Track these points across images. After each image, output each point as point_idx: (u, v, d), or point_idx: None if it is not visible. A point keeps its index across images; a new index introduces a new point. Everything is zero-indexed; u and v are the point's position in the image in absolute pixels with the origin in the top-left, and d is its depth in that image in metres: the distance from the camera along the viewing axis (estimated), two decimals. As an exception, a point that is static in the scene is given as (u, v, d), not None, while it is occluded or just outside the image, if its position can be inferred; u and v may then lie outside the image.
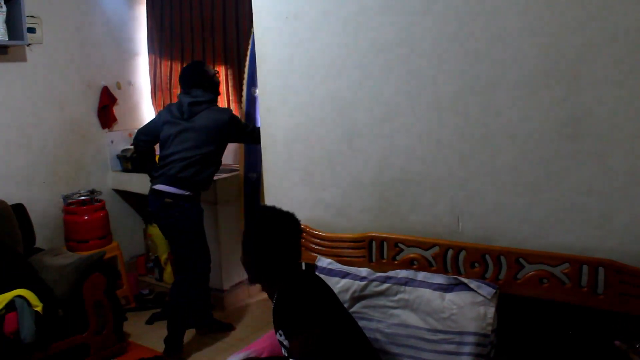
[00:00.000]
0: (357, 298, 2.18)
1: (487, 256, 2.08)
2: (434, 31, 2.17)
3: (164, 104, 4.61)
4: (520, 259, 2.01)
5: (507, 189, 2.11)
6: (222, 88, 4.19)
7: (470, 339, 1.91)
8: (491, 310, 1.94)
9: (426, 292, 2.05)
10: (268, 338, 2.28)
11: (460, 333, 1.93)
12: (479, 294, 1.96)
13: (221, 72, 4.18)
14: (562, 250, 1.98)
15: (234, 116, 3.44)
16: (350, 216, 2.52)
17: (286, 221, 1.95)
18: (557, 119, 1.96)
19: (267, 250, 1.88)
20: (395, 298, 2.09)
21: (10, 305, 2.83)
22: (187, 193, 3.30)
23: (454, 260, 2.15)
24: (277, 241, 1.89)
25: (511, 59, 2.02)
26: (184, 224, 3.32)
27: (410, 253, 2.24)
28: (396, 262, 2.25)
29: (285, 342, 1.85)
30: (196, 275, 3.43)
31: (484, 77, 2.09)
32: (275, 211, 1.97)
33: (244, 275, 4.22)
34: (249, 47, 3.68)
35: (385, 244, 2.29)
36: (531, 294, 1.99)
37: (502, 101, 2.06)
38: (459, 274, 2.13)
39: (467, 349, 1.91)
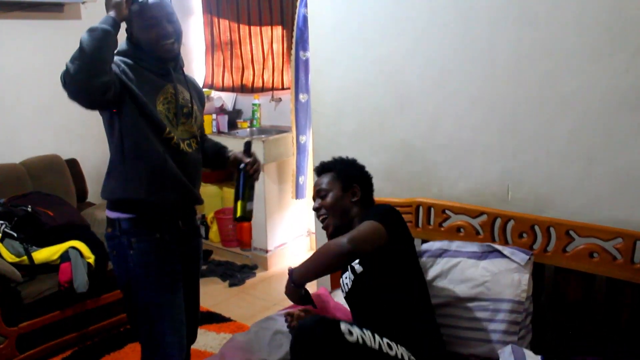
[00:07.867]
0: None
1: (536, 227, 2.04)
2: (492, -6, 2.11)
3: (223, 63, 4.61)
4: (571, 232, 1.97)
5: (560, 159, 2.06)
6: (279, 50, 4.18)
7: (505, 305, 1.89)
8: (525, 277, 1.90)
9: (460, 261, 2.02)
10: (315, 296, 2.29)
11: (494, 300, 1.91)
12: (512, 260, 1.93)
13: (277, 33, 4.15)
14: (615, 224, 1.93)
15: None
16: (399, 181, 2.52)
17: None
18: (618, 88, 1.90)
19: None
20: (430, 271, 2.07)
21: (65, 256, 2.94)
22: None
23: (502, 230, 2.12)
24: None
25: (571, 25, 1.96)
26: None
27: (458, 220, 2.22)
28: (443, 229, 2.24)
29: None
30: None
31: (541, 43, 2.03)
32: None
33: (288, 237, 4.27)
34: (297, 10, 3.65)
35: (432, 210, 2.28)
36: (580, 268, 1.96)
37: (560, 69, 2.01)
38: (507, 243, 2.10)
39: (501, 315, 1.89)
